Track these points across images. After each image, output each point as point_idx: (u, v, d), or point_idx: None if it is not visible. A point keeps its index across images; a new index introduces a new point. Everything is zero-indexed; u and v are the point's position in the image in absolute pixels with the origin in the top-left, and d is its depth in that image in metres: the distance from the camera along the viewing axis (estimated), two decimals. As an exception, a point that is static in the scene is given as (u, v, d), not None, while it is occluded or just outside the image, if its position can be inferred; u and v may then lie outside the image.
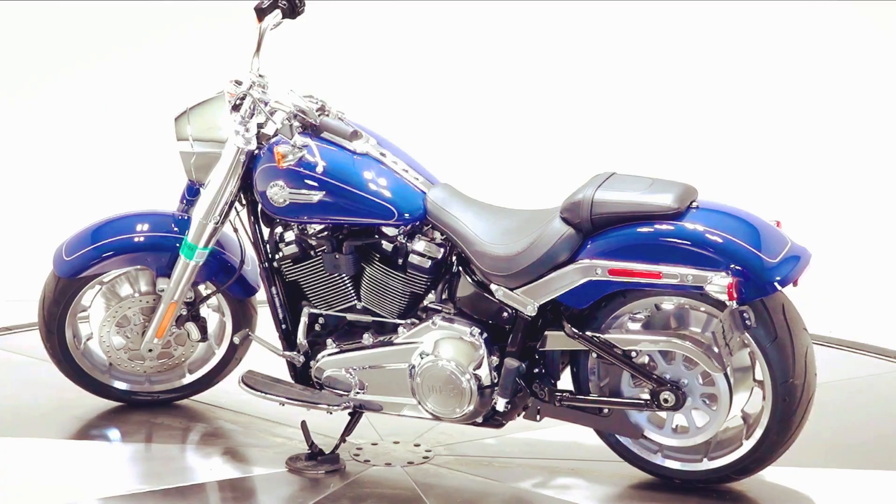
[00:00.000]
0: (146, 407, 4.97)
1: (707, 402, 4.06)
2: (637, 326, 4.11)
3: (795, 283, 3.97)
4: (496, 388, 4.21)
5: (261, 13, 4.43)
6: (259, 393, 4.47)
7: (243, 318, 4.86)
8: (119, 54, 7.42)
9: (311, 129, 4.25)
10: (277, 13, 4.45)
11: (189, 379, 5.00)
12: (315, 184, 4.28)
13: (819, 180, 7.30)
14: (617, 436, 4.27)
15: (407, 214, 4.29)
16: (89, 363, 4.92)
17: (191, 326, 4.79)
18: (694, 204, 4.04)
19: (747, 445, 4.12)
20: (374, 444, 4.61)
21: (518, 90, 7.53)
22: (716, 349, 3.83)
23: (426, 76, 7.50)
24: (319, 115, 4.22)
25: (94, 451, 4.64)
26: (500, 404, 4.20)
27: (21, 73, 7.38)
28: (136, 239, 4.73)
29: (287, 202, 4.33)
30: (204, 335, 4.82)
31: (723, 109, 7.42)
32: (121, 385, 4.96)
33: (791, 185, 7.24)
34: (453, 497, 4.22)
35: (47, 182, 7.30)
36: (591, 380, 4.23)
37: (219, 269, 4.75)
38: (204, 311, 4.88)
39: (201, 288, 4.81)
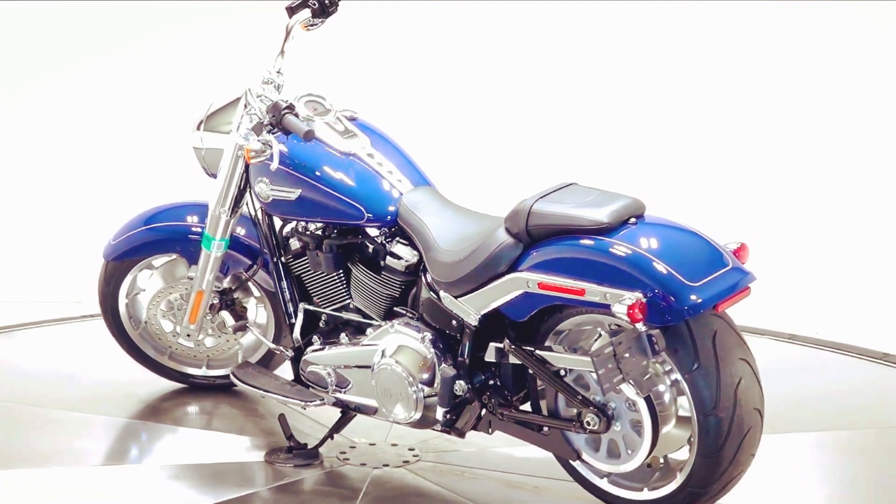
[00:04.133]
0: (203, 391, 5.17)
1: (636, 428, 3.86)
2: (586, 344, 3.96)
3: (716, 309, 3.70)
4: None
5: (290, 11, 4.53)
6: (244, 384, 4.59)
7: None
8: (120, 54, 7.68)
9: (278, 128, 4.31)
10: (307, 12, 4.54)
11: None
12: (292, 181, 4.35)
13: (819, 181, 7.08)
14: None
15: (383, 216, 4.30)
16: (151, 345, 5.17)
17: (225, 315, 4.95)
18: (632, 220, 3.84)
19: (679, 479, 3.87)
20: (371, 444, 4.62)
21: (524, 94, 7.51)
22: (601, 370, 3.62)
23: (432, 77, 7.57)
24: (285, 114, 4.25)
25: (143, 431, 4.90)
26: (439, 413, 4.14)
27: (21, 73, 7.72)
28: (171, 227, 4.94)
29: (270, 198, 4.43)
30: (238, 324, 4.97)
31: (720, 114, 7.30)
32: (179, 368, 5.18)
33: (791, 185, 7.08)
34: (388, 502, 4.19)
35: (49, 182, 7.56)
36: (543, 396, 4.09)
37: (252, 261, 4.89)
38: (251, 302, 5.04)
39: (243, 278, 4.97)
